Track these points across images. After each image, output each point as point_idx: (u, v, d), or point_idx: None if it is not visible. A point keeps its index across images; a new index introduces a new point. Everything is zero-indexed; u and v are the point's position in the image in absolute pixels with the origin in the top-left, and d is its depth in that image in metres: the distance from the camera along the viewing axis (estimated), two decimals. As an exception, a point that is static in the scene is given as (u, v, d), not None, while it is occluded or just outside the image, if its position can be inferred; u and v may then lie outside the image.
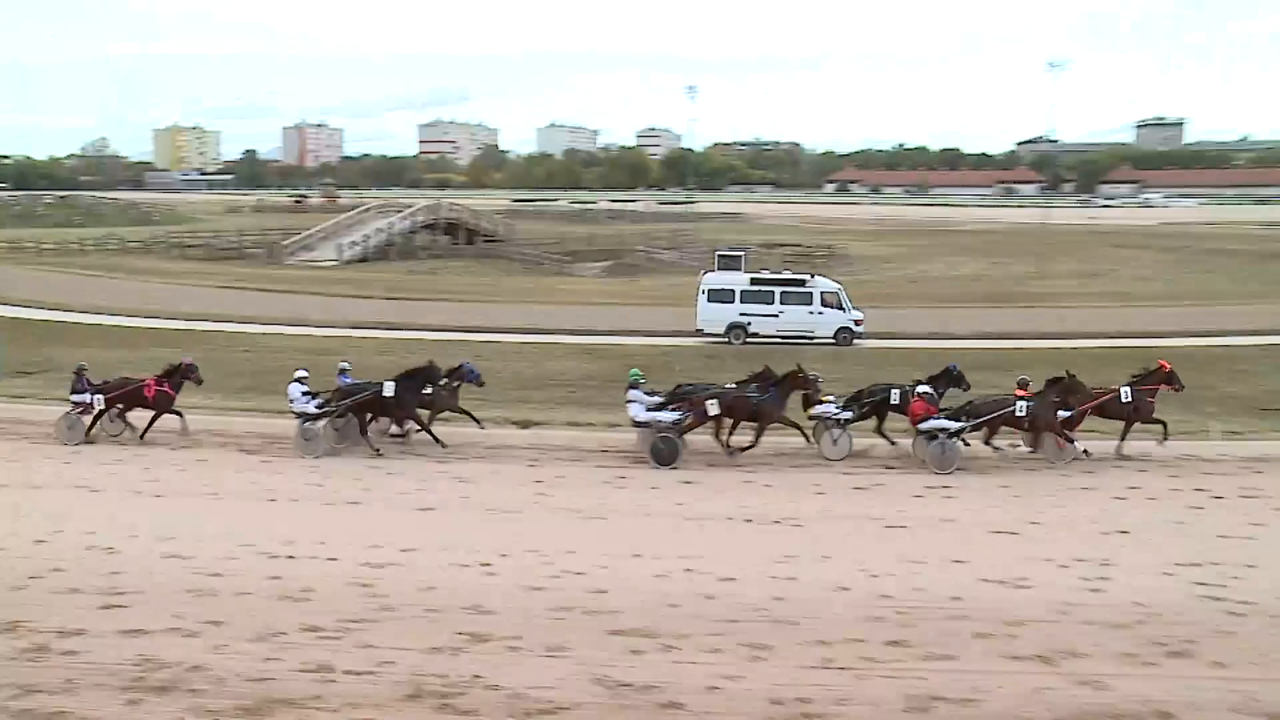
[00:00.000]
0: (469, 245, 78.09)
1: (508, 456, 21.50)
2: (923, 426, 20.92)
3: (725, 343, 38.45)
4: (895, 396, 22.07)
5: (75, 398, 22.64)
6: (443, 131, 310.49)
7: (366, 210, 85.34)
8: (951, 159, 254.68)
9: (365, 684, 11.25)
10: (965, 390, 22.50)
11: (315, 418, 21.88)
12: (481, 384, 23.32)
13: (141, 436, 22.70)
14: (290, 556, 15.41)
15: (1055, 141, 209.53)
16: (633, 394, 21.73)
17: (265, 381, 28.07)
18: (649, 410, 21.64)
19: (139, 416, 23.08)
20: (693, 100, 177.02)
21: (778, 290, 39.65)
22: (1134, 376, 22.12)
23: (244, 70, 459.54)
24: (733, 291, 39.48)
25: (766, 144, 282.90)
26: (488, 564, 15.17)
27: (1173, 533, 16.93)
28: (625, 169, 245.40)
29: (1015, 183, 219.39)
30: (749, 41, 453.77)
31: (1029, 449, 21.66)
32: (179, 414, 22.74)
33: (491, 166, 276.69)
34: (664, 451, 20.90)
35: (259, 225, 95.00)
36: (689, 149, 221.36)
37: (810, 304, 39.31)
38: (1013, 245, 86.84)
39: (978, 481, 20.00)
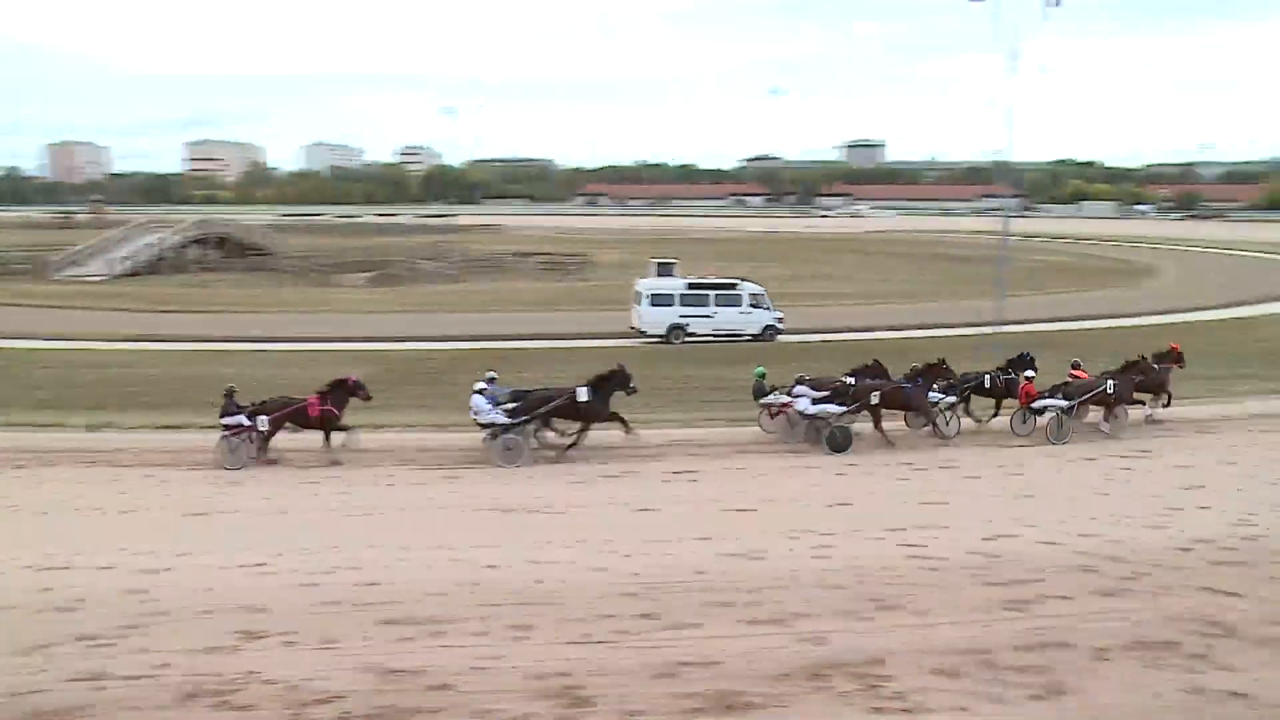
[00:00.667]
0: (239, 259, 74.94)
1: (281, 458, 20.73)
2: (1034, 405, 22.49)
3: (665, 342, 39.10)
4: (987, 381, 23.95)
5: (227, 420, 20.31)
6: (209, 150, 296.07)
7: (137, 226, 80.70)
8: (688, 174, 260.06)
9: (141, 688, 10.60)
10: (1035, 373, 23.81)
11: (510, 428, 20.60)
12: (635, 391, 22.17)
13: (339, 447, 20.98)
14: (62, 567, 14.37)
15: (777, 159, 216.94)
16: (799, 389, 21.95)
17: (21, 397, 26.32)
18: (814, 403, 21.85)
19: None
20: (451, 120, 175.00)
21: (712, 294, 40.79)
22: (1155, 355, 24.72)
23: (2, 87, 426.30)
24: (673, 296, 40.44)
25: (520, 161, 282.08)
26: (262, 564, 14.55)
27: (884, 502, 17.91)
28: (388, 185, 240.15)
29: (745, 195, 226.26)
30: (503, 66, 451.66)
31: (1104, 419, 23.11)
32: (346, 429, 21.15)
33: (258, 183, 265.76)
34: (839, 440, 21.34)
35: (24, 241, 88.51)
36: (448, 165, 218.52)
37: (740, 305, 40.58)
38: (746, 251, 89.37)
39: (718, 465, 20.55)
